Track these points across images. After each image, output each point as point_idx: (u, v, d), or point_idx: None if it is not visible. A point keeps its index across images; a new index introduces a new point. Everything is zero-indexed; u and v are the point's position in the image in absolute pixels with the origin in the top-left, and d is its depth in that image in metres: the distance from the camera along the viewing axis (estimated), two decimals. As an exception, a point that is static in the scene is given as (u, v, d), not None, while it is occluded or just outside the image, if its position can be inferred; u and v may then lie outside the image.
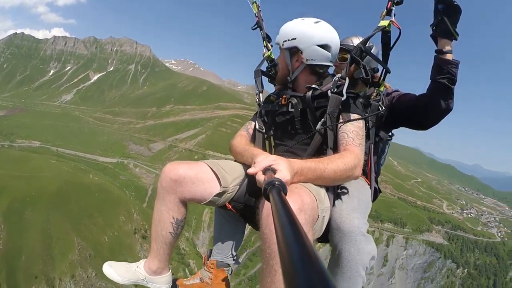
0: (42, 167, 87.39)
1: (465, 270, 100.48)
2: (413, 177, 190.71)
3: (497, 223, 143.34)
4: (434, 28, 2.23)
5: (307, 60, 2.22)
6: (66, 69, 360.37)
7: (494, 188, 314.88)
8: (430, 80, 2.37)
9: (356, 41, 2.70)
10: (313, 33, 2.19)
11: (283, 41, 2.27)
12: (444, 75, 2.25)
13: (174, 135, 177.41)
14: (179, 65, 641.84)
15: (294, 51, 2.24)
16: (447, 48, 2.22)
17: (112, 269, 2.25)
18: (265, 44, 2.82)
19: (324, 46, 2.20)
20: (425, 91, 2.45)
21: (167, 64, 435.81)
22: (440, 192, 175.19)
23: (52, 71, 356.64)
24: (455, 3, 2.07)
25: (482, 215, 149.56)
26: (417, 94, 2.57)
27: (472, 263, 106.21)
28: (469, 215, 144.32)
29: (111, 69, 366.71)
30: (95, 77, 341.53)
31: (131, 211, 77.88)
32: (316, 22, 2.23)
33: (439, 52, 2.24)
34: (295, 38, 2.20)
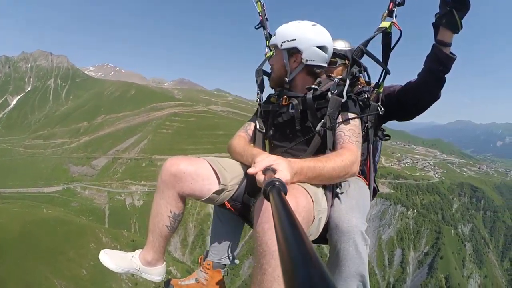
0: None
1: (415, 211, 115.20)
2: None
3: (432, 167, 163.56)
4: (439, 17, 2.21)
5: (306, 60, 2.28)
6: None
7: (424, 138, 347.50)
8: (424, 67, 2.39)
9: (339, 44, 2.83)
10: (313, 35, 2.27)
11: (282, 42, 2.30)
12: (441, 67, 2.28)
13: (114, 146, 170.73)
14: (99, 71, 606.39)
15: (293, 52, 2.30)
16: (449, 40, 2.22)
17: (108, 257, 2.27)
18: (267, 44, 2.98)
19: (322, 48, 2.27)
20: (413, 79, 2.51)
21: (86, 72, 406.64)
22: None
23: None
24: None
25: (417, 162, 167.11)
26: (401, 85, 2.66)
27: (419, 204, 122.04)
28: (406, 164, 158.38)
29: (29, 88, 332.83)
30: (14, 101, 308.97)
31: (98, 236, 77.07)
32: (314, 25, 2.31)
33: (441, 43, 2.24)
34: (295, 39, 2.25)
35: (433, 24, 2.25)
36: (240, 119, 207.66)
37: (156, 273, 2.32)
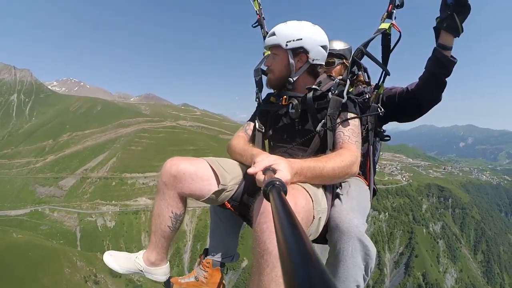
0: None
1: (386, 214, 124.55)
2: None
3: (399, 171, 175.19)
4: (440, 21, 2.22)
5: (313, 60, 2.29)
6: None
7: (389, 144, 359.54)
8: (425, 70, 2.40)
9: (337, 44, 2.94)
10: (317, 35, 2.29)
11: (287, 42, 2.27)
12: (442, 69, 2.29)
13: (82, 165, 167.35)
14: (62, 86, 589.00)
15: (298, 52, 2.29)
16: (450, 44, 2.23)
17: (113, 259, 2.29)
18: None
19: (324, 47, 2.31)
20: (414, 82, 2.51)
21: (50, 87, 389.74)
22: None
23: None
24: (467, 2, 2.08)
25: (384, 167, 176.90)
26: (403, 87, 2.64)
27: (390, 207, 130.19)
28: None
29: None
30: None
31: (72, 260, 75.96)
32: (314, 25, 2.33)
33: (442, 47, 2.25)
34: (301, 39, 2.24)
35: (434, 28, 2.28)
36: (210, 134, 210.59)
37: (160, 273, 2.35)
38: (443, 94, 2.46)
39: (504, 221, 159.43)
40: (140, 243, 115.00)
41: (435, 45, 2.32)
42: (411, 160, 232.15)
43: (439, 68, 2.30)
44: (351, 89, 2.66)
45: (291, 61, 2.31)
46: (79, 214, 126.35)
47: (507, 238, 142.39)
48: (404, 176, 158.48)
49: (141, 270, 2.29)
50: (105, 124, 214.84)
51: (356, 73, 2.49)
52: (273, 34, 2.35)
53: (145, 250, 2.35)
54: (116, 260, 2.29)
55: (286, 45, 2.28)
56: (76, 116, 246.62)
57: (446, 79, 2.35)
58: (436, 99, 2.45)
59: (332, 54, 2.79)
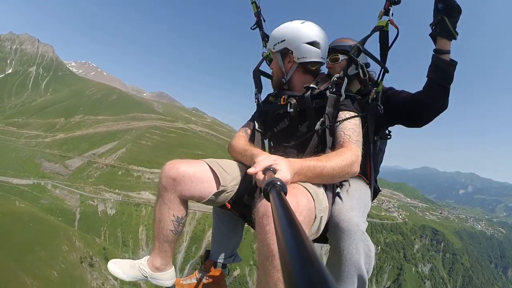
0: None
1: (378, 248, 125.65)
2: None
3: (396, 208, 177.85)
4: (433, 27, 2.23)
5: (298, 58, 2.29)
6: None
7: (389, 181, 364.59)
8: (426, 78, 2.38)
9: (343, 41, 2.86)
10: (300, 32, 2.27)
11: (274, 45, 2.36)
12: (441, 75, 2.27)
13: (91, 149, 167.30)
14: (80, 68, 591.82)
15: (285, 53, 2.33)
16: (446, 48, 2.22)
17: (117, 267, 2.25)
18: (264, 45, 3.04)
19: (313, 43, 2.28)
20: (421, 89, 2.46)
21: (67, 67, 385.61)
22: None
23: None
24: (455, 3, 2.09)
25: (382, 203, 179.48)
26: (412, 92, 2.59)
27: (383, 241, 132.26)
28: (372, 204, 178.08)
29: (10, 71, 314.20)
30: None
31: (71, 239, 75.14)
32: (302, 22, 2.32)
33: (438, 52, 2.25)
34: (284, 40, 2.29)
35: (430, 34, 2.29)
36: (218, 142, 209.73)
37: (166, 278, 2.32)
38: (448, 101, 2.38)
39: (493, 272, 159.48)
40: (137, 235, 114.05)
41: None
42: (409, 199, 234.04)
43: (438, 73, 2.27)
44: (361, 88, 2.66)
45: (280, 63, 2.38)
46: (81, 196, 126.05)
47: None
48: (400, 214, 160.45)
49: (146, 277, 2.26)
50: (119, 114, 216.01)
51: (357, 70, 2.39)
52: (269, 38, 2.45)
53: (149, 256, 2.30)
54: (121, 268, 2.24)
55: (274, 48, 2.37)
56: (91, 100, 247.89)
57: (449, 85, 2.29)
58: (441, 106, 2.36)
59: (336, 50, 2.78)
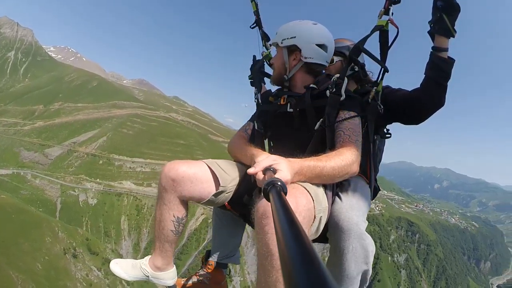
0: None
1: None
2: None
3: (373, 200, 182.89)
4: (432, 25, 2.23)
5: (305, 58, 2.29)
6: None
7: None
8: (424, 75, 2.38)
9: (338, 42, 2.80)
10: (313, 33, 2.28)
11: (282, 40, 2.33)
12: (439, 72, 2.26)
13: (70, 138, 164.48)
14: (59, 53, 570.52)
15: (292, 50, 2.32)
16: (444, 45, 2.22)
17: (119, 267, 2.26)
18: (263, 44, 3.07)
19: (322, 46, 2.28)
20: (418, 86, 2.45)
21: (46, 51, 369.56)
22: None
23: None
24: (455, 1, 2.08)
25: None
26: (409, 90, 2.58)
27: None
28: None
29: None
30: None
31: (54, 230, 75.18)
32: (315, 24, 2.33)
33: (436, 50, 2.24)
34: (295, 37, 2.27)
35: (428, 32, 2.28)
36: (200, 131, 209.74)
37: (167, 277, 2.33)
38: (445, 99, 2.40)
39: (466, 264, 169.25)
40: (119, 225, 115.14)
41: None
42: (385, 192, 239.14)
43: (436, 71, 2.29)
44: (357, 88, 2.70)
45: (285, 58, 2.37)
46: (62, 185, 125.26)
47: (466, 280, 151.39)
48: (377, 206, 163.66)
49: (148, 276, 2.30)
50: (99, 101, 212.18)
51: (356, 70, 2.52)
52: (276, 32, 2.42)
53: (150, 256, 2.35)
54: (123, 268, 2.29)
55: (282, 42, 2.34)
56: (71, 87, 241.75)
57: (447, 82, 2.32)
58: (438, 103, 2.39)
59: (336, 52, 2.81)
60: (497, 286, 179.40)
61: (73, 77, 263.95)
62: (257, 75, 2.75)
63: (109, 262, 2.20)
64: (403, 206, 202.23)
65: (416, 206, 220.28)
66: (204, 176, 2.07)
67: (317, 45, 2.27)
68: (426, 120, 2.56)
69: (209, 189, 2.07)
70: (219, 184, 2.07)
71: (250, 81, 2.96)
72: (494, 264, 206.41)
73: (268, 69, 2.88)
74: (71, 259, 72.22)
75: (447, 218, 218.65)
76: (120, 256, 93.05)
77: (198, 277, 2.68)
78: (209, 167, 2.11)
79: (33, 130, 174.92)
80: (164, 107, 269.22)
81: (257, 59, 3.00)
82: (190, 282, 2.65)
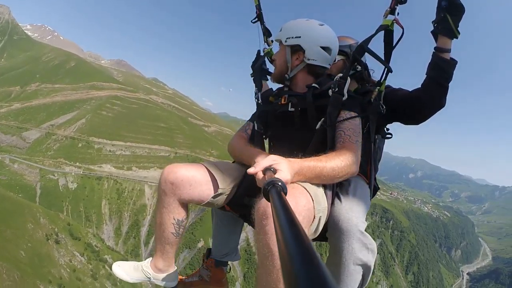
0: None
1: None
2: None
3: None
4: (435, 25, 2.19)
5: (308, 59, 2.25)
6: None
7: None
8: (425, 75, 2.34)
9: (341, 41, 2.67)
10: (319, 34, 2.24)
11: (287, 38, 2.28)
12: (441, 73, 2.23)
13: (48, 120, 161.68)
14: (36, 32, 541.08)
15: (296, 49, 2.28)
16: (447, 46, 2.18)
17: (121, 269, 2.28)
18: (265, 40, 3.00)
19: (326, 49, 2.25)
20: (419, 86, 2.41)
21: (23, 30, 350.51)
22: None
23: None
24: (459, 1, 2.05)
25: None
26: (409, 90, 2.54)
27: None
28: None
29: None
30: None
31: (36, 215, 74.69)
32: (321, 25, 2.28)
33: (439, 50, 2.21)
34: (300, 37, 2.23)
35: (431, 32, 2.25)
36: (180, 115, 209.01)
37: (169, 279, 2.35)
38: (446, 100, 2.37)
39: (437, 251, 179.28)
40: (100, 209, 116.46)
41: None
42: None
43: (437, 71, 2.26)
44: (358, 87, 2.63)
45: (288, 57, 2.34)
46: (41, 170, 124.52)
47: (438, 266, 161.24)
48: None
49: (149, 278, 2.32)
50: (77, 82, 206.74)
51: (358, 70, 2.48)
52: (280, 29, 2.41)
53: (151, 258, 2.37)
54: (125, 270, 2.31)
55: (286, 41, 2.31)
56: (48, 67, 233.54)
57: (448, 83, 2.28)
58: (438, 104, 2.36)
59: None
60: (467, 274, 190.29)
61: (50, 56, 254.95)
62: (257, 73, 2.78)
63: (108, 262, 3.01)
64: (378, 193, 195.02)
65: (391, 194, 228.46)
66: (203, 179, 2.08)
67: (321, 47, 2.26)
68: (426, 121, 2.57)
69: (209, 191, 2.08)
70: (218, 186, 2.08)
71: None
72: (465, 253, 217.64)
73: (269, 66, 2.91)
74: (54, 245, 71.86)
75: (420, 206, 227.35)
76: (102, 241, 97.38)
77: (199, 275, 2.78)
78: (208, 169, 2.12)
79: (9, 113, 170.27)
80: (144, 89, 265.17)
81: (261, 54, 3.02)
82: (191, 280, 2.74)
